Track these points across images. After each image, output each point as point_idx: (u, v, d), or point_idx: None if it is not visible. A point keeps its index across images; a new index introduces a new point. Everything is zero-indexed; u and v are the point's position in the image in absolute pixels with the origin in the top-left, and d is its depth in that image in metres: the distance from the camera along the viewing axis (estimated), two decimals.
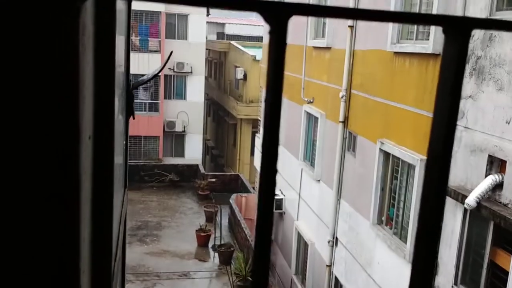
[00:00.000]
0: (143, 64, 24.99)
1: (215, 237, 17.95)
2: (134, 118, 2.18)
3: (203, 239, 18.04)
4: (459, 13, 6.96)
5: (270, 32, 0.40)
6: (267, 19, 0.39)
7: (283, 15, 0.39)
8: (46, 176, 0.56)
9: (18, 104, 0.52)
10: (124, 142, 2.08)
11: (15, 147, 0.54)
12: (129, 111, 2.07)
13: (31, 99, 0.53)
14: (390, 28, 8.80)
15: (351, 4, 10.38)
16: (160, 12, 25.77)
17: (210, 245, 18.11)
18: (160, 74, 25.53)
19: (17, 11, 0.49)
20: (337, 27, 11.33)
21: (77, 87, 0.54)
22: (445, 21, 0.45)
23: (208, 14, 28.03)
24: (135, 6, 24.48)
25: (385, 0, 9.02)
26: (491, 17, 6.41)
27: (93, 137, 0.82)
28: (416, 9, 8.39)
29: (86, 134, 0.72)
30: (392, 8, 8.75)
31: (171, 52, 4.42)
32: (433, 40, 7.52)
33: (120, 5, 1.49)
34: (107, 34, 0.85)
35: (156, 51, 25.82)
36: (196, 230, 18.25)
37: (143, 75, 23.33)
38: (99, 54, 0.82)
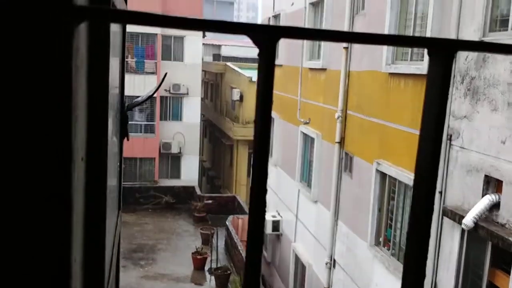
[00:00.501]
0: (139, 85, 25.09)
1: (211, 260, 17.77)
2: (128, 140, 2.17)
3: (199, 262, 17.86)
4: (452, 34, 7.03)
5: (259, 54, 0.39)
6: (256, 42, 0.39)
7: (271, 38, 0.38)
8: (37, 197, 0.55)
9: (10, 124, 0.53)
10: (118, 164, 2.07)
11: (5, 167, 0.54)
12: (124, 133, 2.06)
13: (23, 120, 0.53)
14: (385, 49, 8.89)
15: (346, 27, 10.50)
16: (156, 34, 26.00)
17: (206, 268, 17.92)
18: (155, 95, 25.61)
19: (10, 33, 0.49)
20: (332, 49, 11.44)
21: (69, 109, 0.54)
22: (430, 43, 0.46)
23: (204, 36, 28.29)
24: (131, 28, 24.70)
25: (380, 22, 9.12)
26: (483, 39, 6.48)
27: (86, 158, 0.82)
28: (410, 31, 8.48)
29: (79, 155, 0.71)
30: (386, 29, 8.85)
31: (165, 74, 4.44)
32: (428, 61, 7.58)
33: (115, 27, 1.50)
34: (100, 57, 0.85)
35: (152, 73, 25.96)
36: (192, 253, 18.07)
37: (138, 96, 23.38)
38: (93, 76, 0.82)
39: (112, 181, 1.70)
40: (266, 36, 0.38)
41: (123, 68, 2.12)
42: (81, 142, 0.76)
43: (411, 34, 8.43)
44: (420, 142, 0.47)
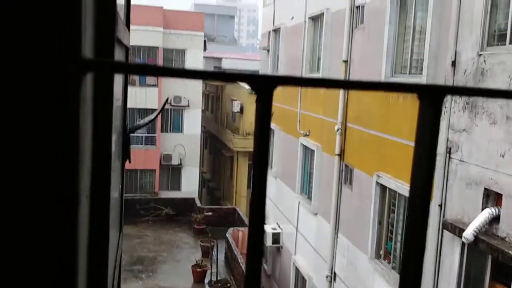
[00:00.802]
0: (141, 98, 25.19)
1: (211, 273, 17.70)
2: (130, 162, 2.20)
3: (199, 275, 17.78)
4: (451, 49, 7.09)
5: (257, 101, 0.42)
6: (254, 89, 0.42)
7: (268, 86, 0.42)
8: (43, 238, 0.57)
9: (19, 173, 0.55)
10: (120, 186, 2.09)
11: (13, 209, 0.56)
12: (125, 155, 2.09)
13: (31, 164, 0.55)
14: (384, 62, 8.95)
15: (345, 41, 10.57)
16: (158, 47, 26.15)
17: (206, 281, 17.83)
18: (157, 108, 25.67)
19: (21, 82, 0.52)
20: (332, 62, 11.52)
21: (76, 154, 0.56)
22: (419, 89, 0.48)
23: (205, 49, 28.45)
24: (133, 41, 24.82)
25: (379, 35, 9.20)
26: (482, 53, 6.54)
27: (90, 195, 0.85)
28: (408, 44, 8.55)
29: (84, 194, 0.74)
30: (385, 43, 8.92)
31: (167, 99, 4.51)
32: (427, 74, 7.64)
33: (118, 57, 1.54)
34: (104, 104, 0.88)
35: (153, 85, 26.07)
36: (192, 266, 18.00)
37: (140, 109, 23.46)
38: (98, 118, 0.85)
39: (115, 205, 1.72)
40: (264, 85, 0.42)
41: (126, 89, 2.16)
42: (86, 183, 0.78)
43: (409, 48, 8.50)
44: (411, 182, 0.50)
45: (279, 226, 15.08)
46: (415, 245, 0.51)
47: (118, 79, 1.73)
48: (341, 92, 10.69)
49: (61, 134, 0.54)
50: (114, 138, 1.57)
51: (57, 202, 0.56)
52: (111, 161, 0.99)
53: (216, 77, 0.42)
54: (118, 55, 1.46)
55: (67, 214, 0.57)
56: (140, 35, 24.95)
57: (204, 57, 28.87)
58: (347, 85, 0.48)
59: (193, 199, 25.77)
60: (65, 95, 0.53)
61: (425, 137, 0.48)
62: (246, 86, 0.44)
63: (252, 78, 0.42)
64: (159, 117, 26.39)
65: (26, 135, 0.54)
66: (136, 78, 26.05)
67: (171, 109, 27.20)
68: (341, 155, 10.83)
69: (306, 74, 13.06)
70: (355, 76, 10.37)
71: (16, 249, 0.57)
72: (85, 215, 0.80)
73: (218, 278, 17.40)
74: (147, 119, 3.14)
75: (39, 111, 0.53)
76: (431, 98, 0.48)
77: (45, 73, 0.52)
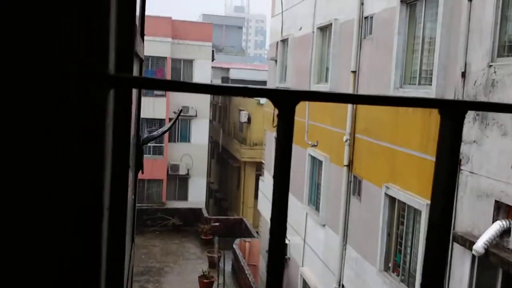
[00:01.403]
0: (148, 108, 25.28)
1: (218, 284, 17.61)
2: (143, 173, 2.19)
3: (205, 286, 17.70)
4: (460, 60, 7.04)
5: (278, 115, 0.40)
6: (276, 105, 0.40)
7: (290, 101, 0.39)
8: (70, 251, 0.58)
9: (45, 188, 0.56)
10: (133, 197, 2.08)
11: (40, 217, 0.57)
12: (139, 166, 2.08)
13: (57, 182, 0.56)
14: (393, 73, 8.92)
15: (353, 51, 10.56)
16: (166, 57, 26.29)
17: None
18: (165, 118, 25.78)
19: (51, 99, 0.54)
20: (340, 72, 11.50)
21: (102, 171, 0.58)
22: (441, 104, 0.47)
23: (213, 59, 28.56)
24: None
25: (387, 46, 9.18)
26: (492, 64, 6.49)
27: (109, 208, 0.86)
28: (418, 55, 8.52)
29: (105, 207, 0.75)
30: (394, 54, 8.89)
31: (181, 110, 4.55)
32: (436, 85, 7.59)
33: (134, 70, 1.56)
34: (124, 118, 0.89)
35: (161, 95, 26.18)
36: (199, 277, 17.93)
37: (148, 119, 23.55)
38: (117, 133, 0.86)
39: (129, 216, 1.72)
40: (286, 100, 0.39)
41: (140, 101, 2.15)
42: (107, 194, 0.80)
43: (418, 58, 8.47)
44: (432, 197, 0.48)
45: (286, 237, 14.99)
46: (435, 262, 0.50)
47: (133, 91, 1.73)
48: None
49: (89, 150, 0.56)
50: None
51: (84, 216, 0.57)
52: (128, 174, 1.01)
53: (238, 93, 0.40)
54: (136, 69, 1.46)
55: (92, 228, 0.58)
56: (148, 45, 25.08)
57: (212, 67, 28.99)
58: (368, 100, 0.46)
59: (200, 209, 25.73)
60: (92, 110, 0.54)
61: (446, 152, 0.47)
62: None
63: (275, 94, 0.39)
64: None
65: (56, 151, 0.55)
66: None
67: (179, 119, 27.27)
68: (350, 166, 10.77)
69: (314, 84, 13.05)
70: (363, 86, 10.34)
71: (48, 263, 0.57)
72: (105, 228, 0.81)
73: None
74: (160, 130, 3.15)
75: (67, 128, 0.54)
76: (453, 114, 0.46)
77: (74, 89, 0.53)
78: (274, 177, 0.41)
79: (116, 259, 0.95)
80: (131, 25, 0.95)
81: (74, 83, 0.53)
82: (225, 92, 0.40)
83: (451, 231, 7.08)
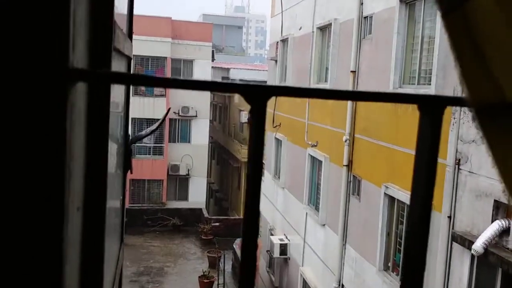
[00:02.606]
0: (149, 108, 25.30)
1: (218, 284, 17.62)
2: (132, 173, 2.19)
3: (206, 286, 17.71)
4: None
5: (250, 111, 0.40)
6: (248, 100, 0.40)
7: (262, 97, 0.39)
8: (27, 250, 0.56)
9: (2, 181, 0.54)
10: (121, 197, 2.07)
11: None
12: (127, 166, 2.08)
13: (13, 178, 0.55)
14: (392, 72, 8.92)
15: (353, 51, 10.56)
16: (166, 57, 26.30)
17: None
18: (164, 121, 25.75)
19: (5, 91, 0.52)
20: (339, 72, 11.50)
21: (63, 163, 0.56)
22: (419, 100, 0.48)
23: (213, 60, 28.57)
24: (141, 51, 25.03)
25: (387, 46, 9.18)
26: None
27: (82, 208, 0.84)
28: (417, 55, 8.52)
29: (74, 206, 0.73)
30: (393, 53, 8.90)
31: (169, 109, 4.63)
32: (435, 84, 7.60)
33: (119, 68, 1.53)
34: (99, 114, 0.88)
35: (161, 96, 26.19)
36: (199, 277, 17.94)
37: (148, 119, 23.56)
38: (92, 127, 0.85)
39: (115, 217, 1.71)
40: (258, 96, 0.39)
41: (128, 99, 2.15)
42: (78, 193, 0.78)
43: (418, 58, 8.47)
44: (412, 191, 0.48)
45: (286, 237, 14.99)
46: (416, 253, 0.50)
47: (120, 89, 1.72)
48: (349, 103, 10.66)
49: (46, 144, 0.54)
50: (114, 148, 1.55)
51: (41, 214, 0.55)
52: (106, 172, 0.99)
53: (207, 87, 0.40)
54: (119, 66, 1.45)
55: (52, 227, 0.56)
56: (148, 46, 25.12)
57: (212, 67, 29.00)
58: (345, 95, 0.46)
59: (200, 209, 25.74)
60: (50, 104, 0.53)
61: (425, 148, 0.47)
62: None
63: (246, 89, 0.40)
64: (167, 127, 26.49)
65: (9, 143, 0.53)
66: (144, 88, 26.20)
67: (179, 119, 27.30)
68: (349, 166, 10.77)
69: (313, 84, 13.06)
70: (363, 86, 10.35)
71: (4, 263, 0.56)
72: (77, 228, 0.79)
73: None
74: (149, 129, 3.16)
75: (23, 120, 0.53)
76: (431, 110, 0.46)
77: (32, 82, 0.52)
78: (248, 169, 0.42)
79: (93, 259, 0.94)
80: (107, 20, 0.95)
81: (28, 76, 0.52)
82: (194, 86, 0.40)
83: (450, 230, 7.08)
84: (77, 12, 0.62)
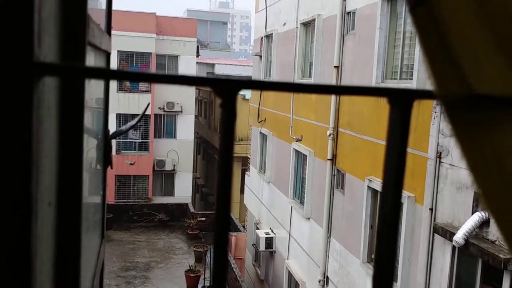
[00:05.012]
0: (134, 104, 25.15)
1: (204, 278, 17.66)
2: (112, 168, 2.21)
3: (192, 280, 17.73)
4: None
5: (221, 104, 0.45)
6: (217, 94, 0.44)
7: (231, 90, 0.44)
8: None
9: None
10: (102, 192, 2.09)
11: None
12: (107, 161, 2.10)
13: None
14: (375, 67, 9.02)
15: (336, 46, 10.64)
16: (151, 53, 26.14)
17: (199, 286, 17.79)
18: (150, 113, 25.65)
19: None
20: (323, 68, 11.58)
21: (29, 157, 0.55)
22: (389, 93, 0.50)
23: (198, 55, 28.47)
24: (126, 47, 24.84)
25: (369, 41, 9.27)
26: None
27: (55, 202, 0.84)
28: (399, 50, 8.62)
29: (45, 201, 0.72)
30: (376, 49, 8.99)
31: (148, 104, 4.60)
32: (417, 79, 7.70)
33: (98, 63, 1.53)
34: (72, 108, 0.87)
35: (146, 91, 26.04)
36: (186, 271, 17.95)
37: (133, 114, 23.30)
38: (65, 122, 0.84)
39: (94, 210, 1.72)
40: (227, 89, 0.44)
41: (108, 94, 2.17)
42: (49, 188, 0.76)
43: (400, 53, 8.57)
44: (383, 187, 0.51)
45: (272, 231, 15.08)
46: (388, 241, 0.51)
47: (99, 84, 1.74)
48: (332, 97, 10.75)
49: (10, 139, 0.53)
50: (93, 143, 1.57)
51: (7, 209, 0.55)
52: (82, 167, 0.97)
53: (177, 81, 0.44)
54: (96, 60, 1.46)
55: (19, 222, 0.55)
56: (133, 41, 24.95)
57: (197, 63, 28.88)
58: (313, 89, 0.51)
59: (186, 204, 25.71)
60: (14, 98, 0.52)
61: (395, 140, 0.49)
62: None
63: (214, 82, 0.45)
64: (152, 123, 26.36)
65: None
66: (129, 84, 26.01)
67: (164, 115, 27.18)
68: (333, 160, 10.87)
69: (298, 79, 13.12)
70: (346, 81, 10.44)
71: None
72: (49, 224, 0.78)
73: (212, 283, 17.33)
74: (128, 124, 3.17)
75: None
76: (401, 102, 0.49)
77: None
78: (218, 163, 0.46)
79: (69, 255, 0.93)
80: (80, 14, 0.93)
81: None
82: (166, 80, 0.44)
83: (431, 222, 7.21)
84: (43, 6, 0.61)
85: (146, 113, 25.27)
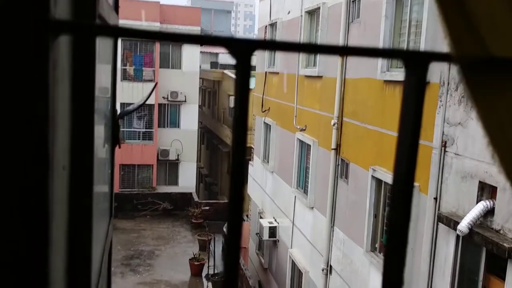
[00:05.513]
0: (138, 93, 25.14)
1: (208, 266, 17.76)
2: (120, 147, 2.21)
3: (196, 268, 17.84)
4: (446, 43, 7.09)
5: (236, 66, 0.44)
6: (232, 54, 0.43)
7: (247, 50, 0.43)
8: (9, 206, 0.56)
9: None
10: (110, 171, 2.10)
11: None
12: (115, 140, 2.10)
13: None
14: None
15: (341, 35, 10.58)
16: (155, 42, 26.05)
17: (203, 274, 17.90)
18: (154, 103, 25.65)
19: None
20: (328, 56, 11.52)
21: (46, 118, 0.55)
22: (405, 55, 0.49)
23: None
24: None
25: (374, 29, 9.21)
26: None
27: (69, 167, 0.84)
28: (404, 38, 8.56)
29: (60, 164, 0.73)
30: (381, 37, 8.93)
31: (156, 83, 4.55)
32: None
33: (105, 39, 1.53)
34: (85, 66, 0.87)
35: (150, 80, 26.01)
36: (190, 259, 18.06)
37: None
38: (77, 85, 0.84)
39: (102, 188, 1.73)
40: (242, 49, 0.43)
41: (115, 76, 2.17)
42: (63, 151, 0.76)
43: (405, 42, 8.52)
44: (396, 157, 0.50)
45: (275, 220, 15.12)
46: (400, 221, 0.50)
47: (107, 68, 1.74)
48: (337, 87, 10.71)
49: (28, 97, 0.53)
50: (104, 121, 1.57)
51: (26, 171, 0.55)
52: (93, 131, 0.97)
53: (191, 40, 0.43)
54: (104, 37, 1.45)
55: (37, 184, 0.56)
56: None
57: (200, 52, 28.82)
58: (328, 50, 0.49)
59: (190, 193, 25.79)
60: (32, 56, 0.52)
61: (410, 105, 0.48)
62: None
63: (230, 42, 0.43)
64: (156, 112, 26.35)
65: None
66: (133, 73, 26.00)
67: (168, 104, 27.17)
68: (337, 149, 10.85)
69: (302, 69, 13.07)
70: (351, 70, 10.39)
71: None
72: (63, 187, 0.78)
73: (216, 271, 17.45)
74: (136, 104, 3.17)
75: (4, 73, 0.52)
76: (416, 65, 0.48)
77: (11, 33, 0.51)
78: (233, 127, 0.45)
79: (81, 218, 0.93)
80: None
81: (9, 27, 0.50)
82: (178, 39, 0.43)
83: (436, 211, 7.21)
84: None
85: (149, 102, 25.27)
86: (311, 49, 0.48)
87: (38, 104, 0.54)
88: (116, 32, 0.43)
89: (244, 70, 0.44)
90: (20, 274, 0.57)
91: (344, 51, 0.53)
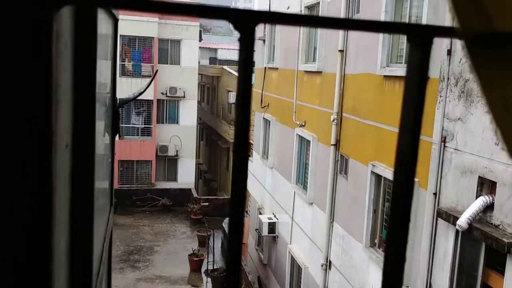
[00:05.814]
0: (136, 88, 25.07)
1: (207, 262, 17.77)
2: (120, 137, 2.21)
3: (196, 264, 17.86)
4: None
5: (239, 39, 0.42)
6: (235, 26, 0.42)
7: (250, 22, 0.42)
8: (13, 180, 0.55)
9: None
10: (110, 160, 2.09)
11: None
12: (115, 130, 2.09)
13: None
14: (380, 52, 8.94)
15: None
16: (153, 37, 26.01)
17: (203, 270, 17.91)
18: (152, 99, 25.61)
19: None
20: (327, 52, 11.50)
21: (49, 90, 0.54)
22: (408, 30, 0.48)
23: (200, 40, 28.31)
24: (128, 32, 24.71)
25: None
26: None
27: (71, 146, 0.83)
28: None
29: (63, 142, 0.72)
30: (380, 35, 8.90)
31: (156, 71, 4.57)
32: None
33: (105, 29, 1.51)
34: (87, 42, 0.86)
35: (149, 76, 25.96)
36: (189, 255, 18.07)
37: (136, 100, 23.13)
38: (79, 63, 0.83)
39: (103, 175, 1.72)
40: (246, 21, 0.42)
41: (115, 67, 2.16)
42: (65, 129, 0.76)
43: (405, 37, 8.48)
44: (400, 131, 0.49)
45: (275, 216, 15.12)
46: (401, 209, 0.49)
47: (106, 65, 1.72)
48: (337, 82, 10.69)
49: (31, 69, 0.53)
50: (103, 109, 1.56)
51: (29, 147, 0.55)
52: (95, 109, 0.96)
53: (196, 12, 0.42)
54: (106, 25, 1.44)
55: (40, 160, 0.55)
56: (135, 26, 24.81)
57: (199, 47, 28.76)
58: (335, 23, 0.48)
59: (189, 189, 25.79)
60: (35, 30, 0.51)
61: (414, 79, 0.47)
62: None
63: (233, 14, 0.42)
64: (155, 108, 26.32)
65: None
66: (131, 69, 25.94)
67: (167, 100, 27.14)
68: (337, 145, 10.84)
69: (301, 64, 13.04)
70: (351, 65, 10.37)
71: None
72: (67, 163, 0.78)
73: (215, 267, 17.47)
74: (136, 92, 3.17)
75: (8, 46, 0.52)
76: (419, 40, 0.47)
77: (14, 5, 0.51)
78: (236, 102, 0.44)
79: (83, 194, 0.93)
80: None
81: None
82: (181, 11, 0.42)
83: (435, 207, 7.20)
84: None
85: (148, 98, 25.23)
86: (315, 21, 0.47)
87: (41, 75, 0.53)
88: (117, 2, 0.42)
89: (247, 42, 0.43)
90: (24, 247, 0.57)
91: (347, 24, 0.52)
